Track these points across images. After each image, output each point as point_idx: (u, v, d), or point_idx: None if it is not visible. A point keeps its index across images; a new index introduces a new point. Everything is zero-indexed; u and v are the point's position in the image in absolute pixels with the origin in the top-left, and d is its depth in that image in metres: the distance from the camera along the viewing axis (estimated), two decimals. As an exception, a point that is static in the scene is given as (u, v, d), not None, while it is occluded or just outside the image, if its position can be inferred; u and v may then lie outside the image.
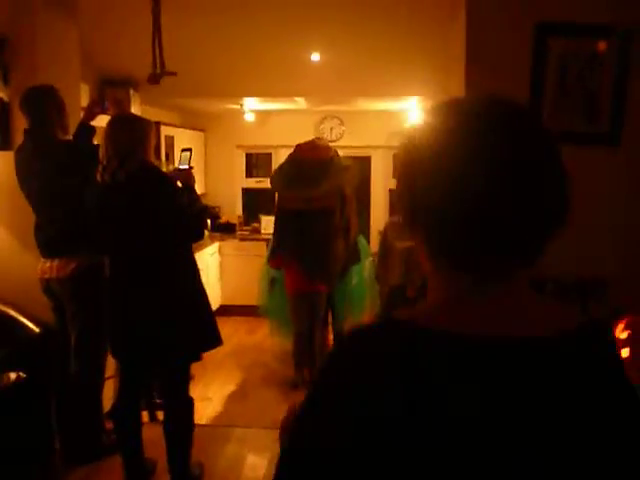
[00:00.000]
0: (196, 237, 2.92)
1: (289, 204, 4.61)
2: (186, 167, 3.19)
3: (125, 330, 2.84)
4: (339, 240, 4.58)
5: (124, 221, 2.74)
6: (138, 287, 2.79)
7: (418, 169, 0.80)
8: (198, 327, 2.88)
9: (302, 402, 0.82)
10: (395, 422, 0.72)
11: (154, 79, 3.67)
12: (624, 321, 2.19)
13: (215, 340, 2.97)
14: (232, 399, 4.60)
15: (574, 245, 2.89)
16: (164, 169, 5.85)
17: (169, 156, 5.99)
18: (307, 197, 4.44)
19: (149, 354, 2.84)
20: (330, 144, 5.79)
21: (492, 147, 0.76)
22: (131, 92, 5.15)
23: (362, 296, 5.22)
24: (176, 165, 3.75)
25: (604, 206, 2.94)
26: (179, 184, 2.97)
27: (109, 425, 3.19)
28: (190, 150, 3.36)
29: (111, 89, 5.10)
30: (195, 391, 4.48)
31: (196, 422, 3.04)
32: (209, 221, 6.79)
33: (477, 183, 0.74)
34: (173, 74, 3.70)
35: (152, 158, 2.87)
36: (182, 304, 2.82)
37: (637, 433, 0.77)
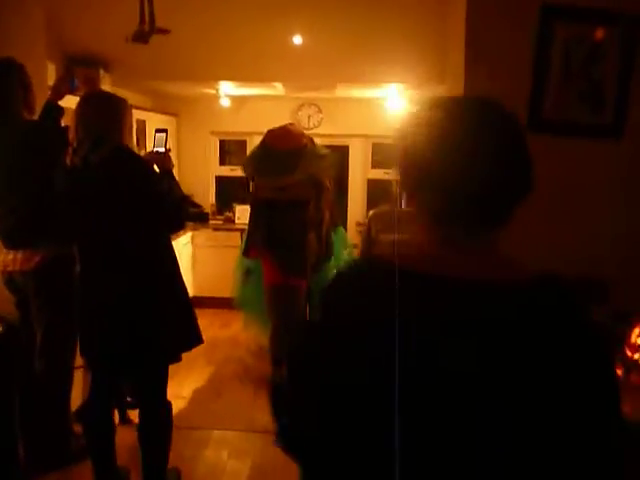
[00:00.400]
0: (176, 227, 2.71)
1: (262, 192, 4.42)
2: (163, 150, 2.92)
3: (96, 327, 2.62)
4: (312, 232, 4.40)
5: (97, 209, 2.51)
6: (111, 281, 2.57)
7: (420, 154, 0.99)
8: (178, 325, 2.67)
9: (297, 336, 1.12)
10: (381, 350, 0.90)
11: (142, 37, 3.32)
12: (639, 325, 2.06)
13: (195, 339, 2.77)
14: (207, 397, 4.40)
15: (575, 242, 2.78)
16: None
17: (139, 141, 5.72)
18: (278, 186, 4.25)
19: (123, 354, 2.62)
20: (306, 132, 5.63)
21: (478, 139, 0.95)
22: (101, 72, 4.88)
23: None
24: (149, 149, 3.50)
25: (605, 201, 2.82)
26: (156, 169, 2.74)
27: (78, 428, 2.97)
28: (166, 131, 3.08)
29: (80, 69, 4.82)
30: (167, 389, 4.31)
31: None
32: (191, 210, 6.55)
33: (464, 166, 0.94)
34: (166, 32, 3.35)
35: (128, 141, 2.63)
36: (160, 299, 2.61)
37: (580, 368, 0.89)
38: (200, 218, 6.96)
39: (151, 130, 6.27)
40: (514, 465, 0.87)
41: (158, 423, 2.71)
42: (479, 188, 0.95)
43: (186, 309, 2.74)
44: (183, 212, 2.75)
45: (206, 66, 5.15)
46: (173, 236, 6.03)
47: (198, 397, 4.37)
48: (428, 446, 0.89)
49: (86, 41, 4.74)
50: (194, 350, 5.00)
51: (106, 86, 4.96)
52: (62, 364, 2.96)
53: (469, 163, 0.94)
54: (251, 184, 4.69)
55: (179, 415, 3.90)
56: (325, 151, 4.49)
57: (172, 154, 6.26)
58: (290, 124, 4.67)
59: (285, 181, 4.16)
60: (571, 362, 0.89)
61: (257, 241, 4.37)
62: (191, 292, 6.66)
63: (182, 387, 4.54)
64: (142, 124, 5.85)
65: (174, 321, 2.65)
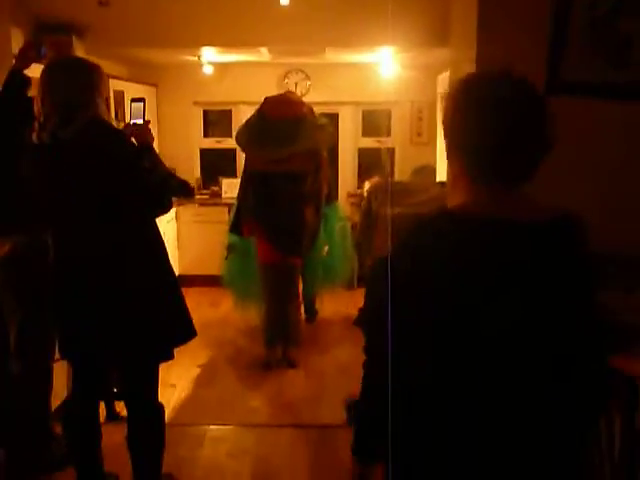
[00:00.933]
0: (161, 209, 2.41)
1: (256, 165, 4.14)
2: (141, 121, 2.57)
3: (76, 324, 2.34)
4: (310, 207, 4.14)
5: (70, 192, 2.22)
6: (91, 271, 2.28)
7: (463, 118, 1.21)
8: (167, 318, 2.40)
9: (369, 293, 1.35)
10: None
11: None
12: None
13: (189, 332, 2.50)
14: (198, 385, 4.16)
15: (593, 204, 2.54)
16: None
17: (118, 114, 5.38)
18: (277, 158, 3.97)
19: (107, 352, 2.35)
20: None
21: (501, 107, 1.16)
22: (73, 39, 4.52)
23: (336, 266, 4.83)
24: (127, 120, 3.16)
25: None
26: (134, 142, 2.42)
27: (59, 430, 2.71)
28: (143, 100, 2.70)
29: (49, 36, 4.45)
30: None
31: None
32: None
33: (497, 129, 1.16)
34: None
35: (105, 113, 2.32)
36: (146, 290, 2.33)
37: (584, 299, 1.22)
38: (186, 191, 6.64)
39: (128, 101, 5.93)
40: (541, 372, 1.17)
41: (148, 429, 2.45)
42: (506, 142, 1.15)
43: (176, 299, 2.47)
44: (169, 192, 2.45)
45: (186, 31, 4.80)
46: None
47: (189, 385, 4.13)
48: (499, 371, 1.16)
49: (56, 4, 4.38)
50: None
51: (79, 54, 4.60)
52: (40, 364, 2.70)
53: (496, 124, 1.15)
54: (240, 156, 4.41)
55: (170, 409, 3.67)
56: (324, 121, 4.20)
57: (152, 127, 5.93)
58: (289, 92, 4.39)
59: (284, 153, 3.88)
60: (571, 282, 1.19)
61: (247, 217, 4.10)
62: (177, 271, 6.38)
63: (170, 373, 4.29)
64: (120, 95, 5.50)
65: (163, 314, 2.38)
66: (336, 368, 4.33)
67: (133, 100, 2.73)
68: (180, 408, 3.76)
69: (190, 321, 2.50)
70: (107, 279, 2.27)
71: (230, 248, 4.56)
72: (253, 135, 4.06)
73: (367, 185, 4.13)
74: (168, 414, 3.50)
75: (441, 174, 5.28)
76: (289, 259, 4.14)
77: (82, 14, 4.52)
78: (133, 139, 2.40)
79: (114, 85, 5.34)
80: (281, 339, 4.48)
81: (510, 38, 2.46)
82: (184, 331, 2.47)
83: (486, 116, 1.15)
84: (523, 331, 1.13)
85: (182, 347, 4.60)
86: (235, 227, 4.32)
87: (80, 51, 4.59)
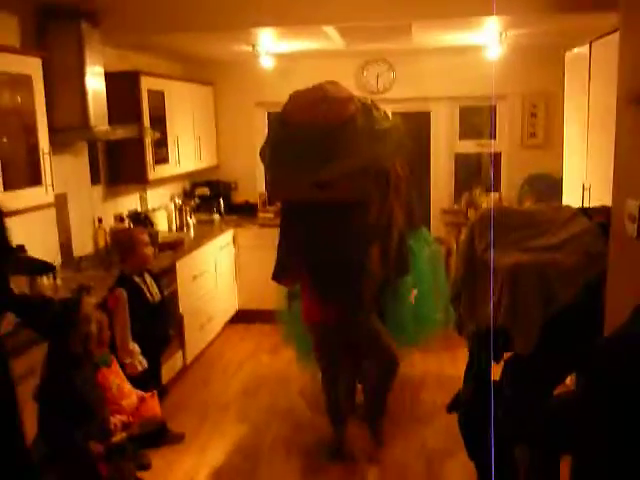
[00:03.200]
0: None
1: (290, 194, 3.01)
2: None
3: None
4: (374, 247, 2.95)
5: None
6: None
7: None
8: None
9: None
10: None
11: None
12: None
13: None
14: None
15: None
16: (148, 139, 4.29)
17: (155, 122, 4.38)
18: (315, 181, 2.82)
19: None
20: (375, 97, 4.14)
21: None
22: (83, 27, 3.54)
23: (429, 314, 3.59)
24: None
25: None
26: None
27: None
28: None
29: (54, 23, 3.50)
30: (185, 460, 3.05)
31: None
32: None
33: None
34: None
35: None
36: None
37: None
38: (243, 208, 5.62)
39: (184, 103, 4.94)
40: None
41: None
42: None
43: None
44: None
45: (231, 10, 3.73)
46: (205, 238, 4.76)
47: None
48: None
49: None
50: (226, 394, 3.78)
51: (93, 47, 3.62)
52: None
53: None
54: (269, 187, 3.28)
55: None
56: (389, 122, 2.99)
57: (209, 134, 4.78)
58: (329, 82, 3.19)
59: (325, 175, 2.73)
60: None
61: (291, 263, 2.98)
62: (236, 306, 5.39)
63: (202, 460, 3.22)
64: (158, 96, 4.50)
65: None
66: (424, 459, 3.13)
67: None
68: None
69: None
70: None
71: (291, 296, 3.42)
72: (277, 151, 2.92)
73: (477, 215, 2.78)
74: None
75: (569, 186, 3.91)
76: (344, 318, 2.99)
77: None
78: None
79: (150, 83, 4.35)
80: (350, 412, 3.33)
81: None
82: None
83: None
84: None
85: (222, 417, 3.61)
86: (278, 274, 3.19)
87: (93, 42, 3.61)
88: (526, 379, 2.24)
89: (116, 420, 2.61)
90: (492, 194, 5.35)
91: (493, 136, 5.54)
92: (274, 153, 2.95)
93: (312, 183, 2.77)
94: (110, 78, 3.82)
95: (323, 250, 2.88)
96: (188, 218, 5.10)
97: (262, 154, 3.10)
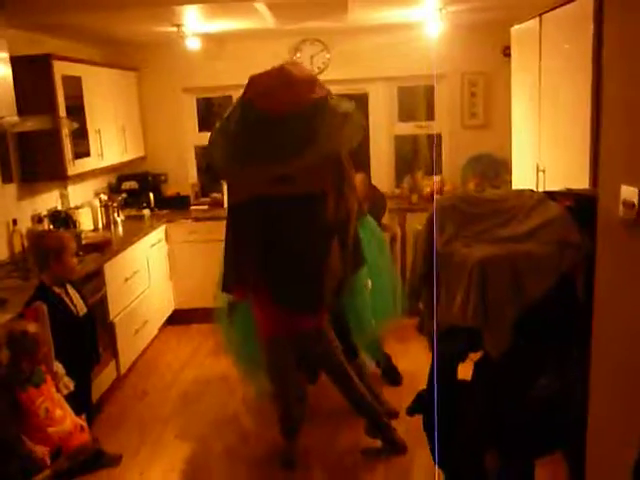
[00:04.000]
0: None
1: (247, 189, 2.71)
2: None
3: None
4: (333, 242, 2.71)
5: None
6: None
7: None
8: None
9: None
10: None
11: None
12: None
13: None
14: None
15: None
16: (65, 131, 3.89)
17: (73, 112, 3.97)
18: (283, 175, 2.55)
19: None
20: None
21: None
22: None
23: (386, 300, 3.41)
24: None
25: None
26: None
27: None
28: None
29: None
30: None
31: None
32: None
33: None
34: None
35: None
36: None
37: None
38: (175, 202, 5.27)
39: (105, 90, 4.54)
40: None
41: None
42: None
43: None
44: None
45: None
46: (136, 235, 4.40)
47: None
48: None
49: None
50: (165, 405, 3.55)
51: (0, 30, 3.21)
52: None
53: None
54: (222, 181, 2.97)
55: None
56: (347, 106, 2.72)
57: (133, 123, 4.36)
58: (290, 63, 2.90)
59: (295, 165, 2.46)
60: None
61: (241, 270, 2.69)
62: (172, 306, 5.04)
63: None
64: (74, 82, 4.09)
65: None
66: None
67: None
68: None
69: None
70: None
71: (232, 307, 3.10)
72: (238, 145, 2.62)
73: (413, 198, 2.58)
74: None
75: (520, 166, 3.77)
76: (306, 322, 2.74)
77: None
78: None
79: (65, 69, 3.94)
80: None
81: None
82: None
83: None
84: None
85: (161, 432, 3.31)
86: (228, 284, 2.89)
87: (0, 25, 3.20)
88: (499, 381, 2.06)
89: (40, 452, 2.30)
90: (434, 177, 5.22)
91: (433, 117, 5.38)
92: (235, 144, 2.62)
93: (277, 176, 2.48)
94: (17, 63, 3.40)
95: (282, 248, 2.62)
96: (115, 215, 4.72)
97: (209, 151, 2.77)
